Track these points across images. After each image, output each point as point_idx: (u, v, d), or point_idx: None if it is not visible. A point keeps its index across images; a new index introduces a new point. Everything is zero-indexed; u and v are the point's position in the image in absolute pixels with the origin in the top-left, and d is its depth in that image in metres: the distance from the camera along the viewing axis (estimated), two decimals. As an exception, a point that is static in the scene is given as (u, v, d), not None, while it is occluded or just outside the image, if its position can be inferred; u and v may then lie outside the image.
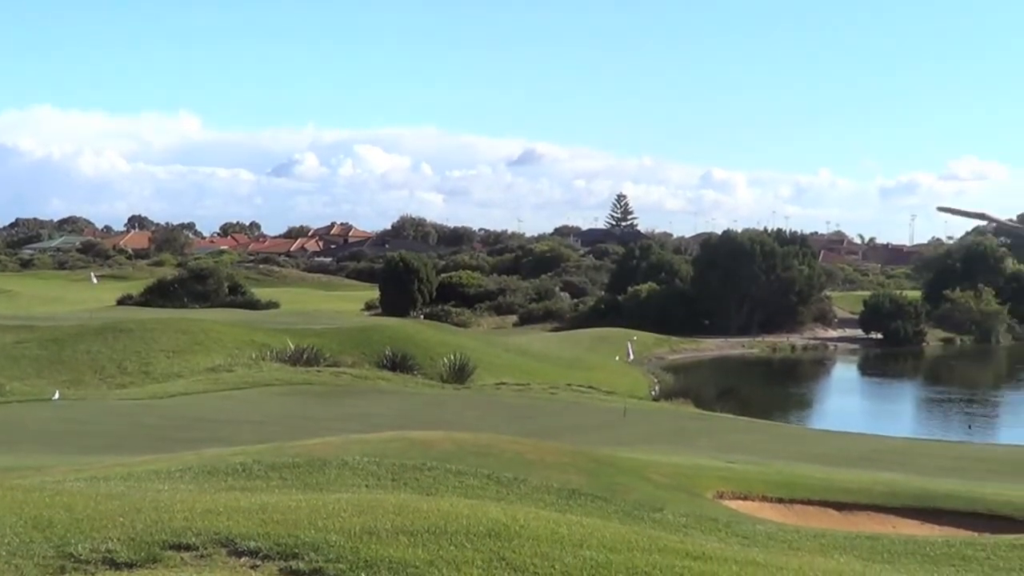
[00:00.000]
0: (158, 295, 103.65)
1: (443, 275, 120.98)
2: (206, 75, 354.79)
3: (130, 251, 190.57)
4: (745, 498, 21.79)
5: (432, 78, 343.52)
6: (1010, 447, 46.40)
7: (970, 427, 58.20)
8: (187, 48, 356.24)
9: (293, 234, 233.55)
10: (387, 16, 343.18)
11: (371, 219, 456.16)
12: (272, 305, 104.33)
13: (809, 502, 22.32)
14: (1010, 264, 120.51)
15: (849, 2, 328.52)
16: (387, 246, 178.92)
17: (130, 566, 8.40)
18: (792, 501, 22.26)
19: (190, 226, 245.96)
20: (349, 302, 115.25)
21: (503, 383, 58.40)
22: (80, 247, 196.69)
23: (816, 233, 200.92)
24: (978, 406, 68.27)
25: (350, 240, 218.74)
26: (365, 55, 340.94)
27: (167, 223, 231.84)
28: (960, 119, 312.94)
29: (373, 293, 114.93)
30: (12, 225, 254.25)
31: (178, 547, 8.79)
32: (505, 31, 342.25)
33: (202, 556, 8.65)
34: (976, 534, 18.16)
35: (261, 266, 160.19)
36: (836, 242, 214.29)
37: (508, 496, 13.93)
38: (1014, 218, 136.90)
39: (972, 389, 76.59)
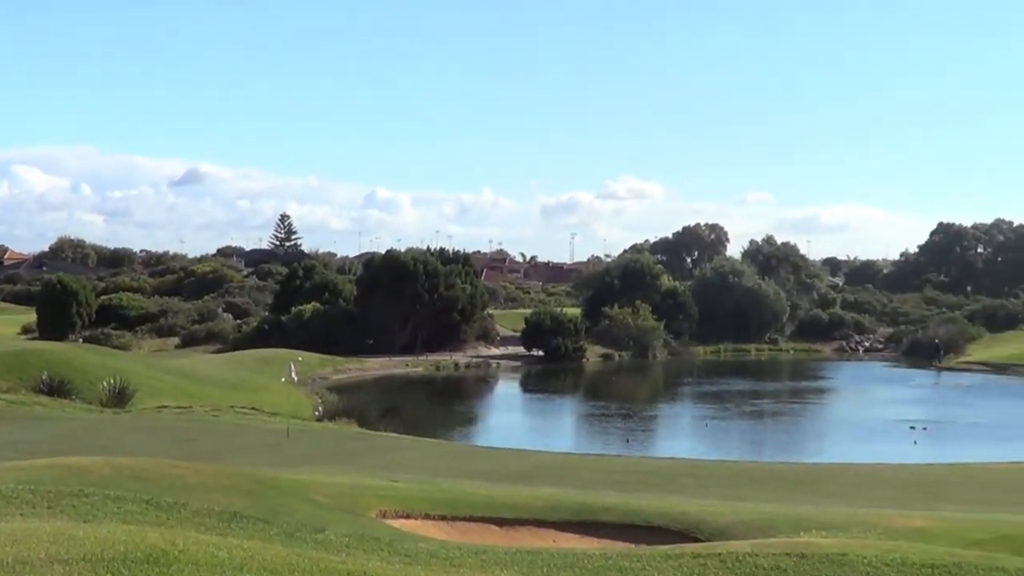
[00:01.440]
0: None
1: (103, 297, 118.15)
2: None
3: None
4: (408, 516, 21.91)
5: (90, 95, 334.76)
6: (665, 460, 47.91)
7: (628, 441, 59.77)
8: None
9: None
10: (40, 25, 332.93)
11: (29, 241, 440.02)
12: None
13: (471, 519, 22.59)
14: (666, 281, 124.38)
15: (509, 25, 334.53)
16: (44, 268, 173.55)
17: None
18: (455, 518, 22.49)
19: None
20: (5, 326, 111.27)
21: (164, 406, 57.36)
22: None
23: (479, 252, 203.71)
24: (636, 420, 70.18)
25: (5, 262, 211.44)
26: (17, 68, 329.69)
27: None
28: (618, 138, 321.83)
29: (30, 316, 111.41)
30: None
31: None
32: (158, 45, 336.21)
33: None
34: (633, 545, 18.65)
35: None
36: (499, 260, 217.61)
37: (168, 521, 13.68)
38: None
39: (630, 403, 78.69)
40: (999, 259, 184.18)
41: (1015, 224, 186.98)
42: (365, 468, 32.80)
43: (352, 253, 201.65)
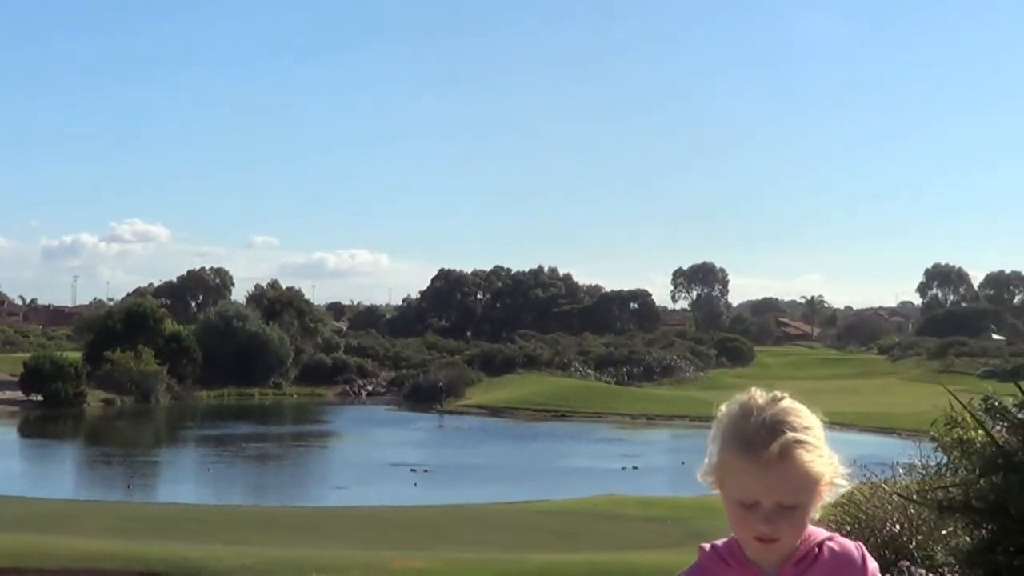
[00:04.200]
0: None
1: None
2: None
3: None
4: None
5: None
6: (167, 505, 47.62)
7: (129, 486, 58.79)
8: None
9: None
10: None
11: None
12: None
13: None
14: (170, 325, 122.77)
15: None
16: None
17: None
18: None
19: None
20: None
21: None
22: None
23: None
24: (138, 465, 69.08)
25: None
26: None
27: None
28: (124, 179, 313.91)
29: None
30: None
31: None
32: None
33: None
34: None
35: None
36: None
37: None
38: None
39: (132, 448, 77.42)
40: (497, 305, 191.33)
41: (513, 271, 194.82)
42: None
43: None
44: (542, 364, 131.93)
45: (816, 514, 3.43)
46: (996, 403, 9.15)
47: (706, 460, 3.48)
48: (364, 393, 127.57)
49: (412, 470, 64.85)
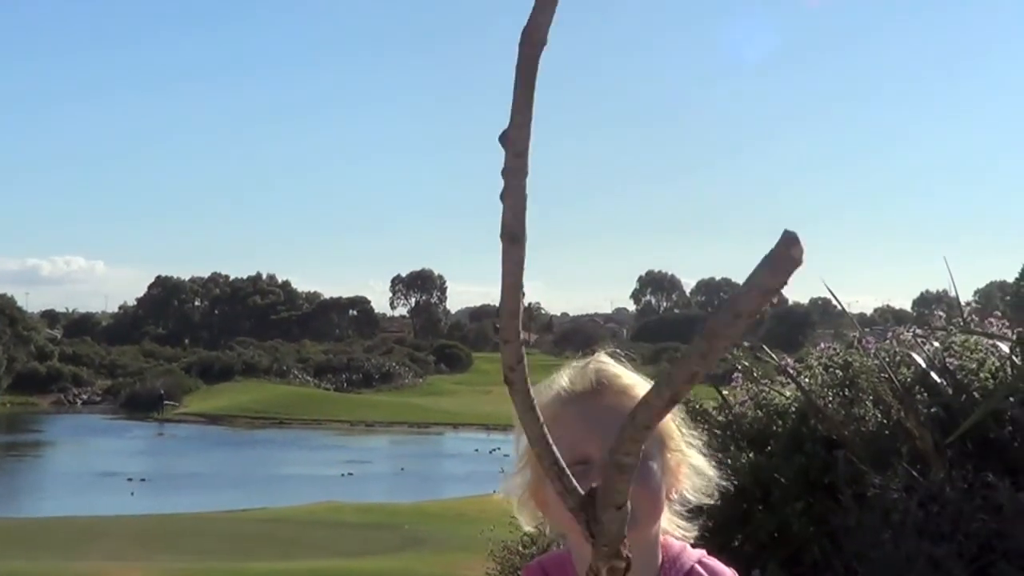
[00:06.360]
0: None
1: None
2: None
3: None
4: None
5: None
6: None
7: None
8: None
9: None
10: None
11: None
12: None
13: None
14: None
15: None
16: None
17: None
18: None
19: None
20: None
21: None
22: None
23: None
24: None
25: None
26: None
27: None
28: None
29: None
30: None
31: None
32: None
33: None
34: None
35: None
36: None
37: None
38: None
39: None
40: (215, 312, 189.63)
41: (231, 278, 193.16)
42: None
43: None
44: (261, 371, 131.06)
45: (671, 524, 2.66)
46: (698, 406, 9.64)
47: (515, 463, 2.75)
48: (79, 402, 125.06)
49: (128, 479, 64.02)
